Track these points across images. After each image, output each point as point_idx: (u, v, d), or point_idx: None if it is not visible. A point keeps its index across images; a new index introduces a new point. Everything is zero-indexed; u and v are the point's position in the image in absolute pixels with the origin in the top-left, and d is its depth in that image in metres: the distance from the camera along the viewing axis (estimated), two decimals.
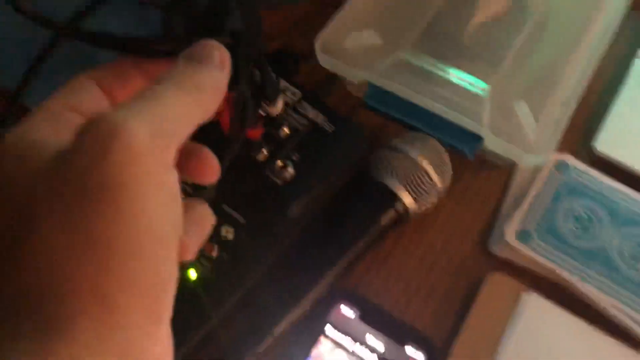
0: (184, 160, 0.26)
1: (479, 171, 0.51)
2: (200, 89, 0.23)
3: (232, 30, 0.31)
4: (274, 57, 0.50)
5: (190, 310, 0.39)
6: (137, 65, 0.26)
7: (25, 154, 0.21)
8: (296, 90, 0.46)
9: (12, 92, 0.36)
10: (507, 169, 0.51)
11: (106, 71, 0.25)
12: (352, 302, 0.43)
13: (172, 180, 0.22)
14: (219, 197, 0.42)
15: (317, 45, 0.46)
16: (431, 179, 0.45)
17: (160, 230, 0.21)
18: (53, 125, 0.22)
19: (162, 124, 0.21)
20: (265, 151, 0.43)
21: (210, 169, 0.27)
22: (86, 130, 0.21)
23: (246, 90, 0.32)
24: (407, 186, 0.44)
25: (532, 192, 0.48)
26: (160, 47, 0.29)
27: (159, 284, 0.22)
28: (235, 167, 0.42)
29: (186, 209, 0.24)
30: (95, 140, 0.20)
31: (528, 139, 0.44)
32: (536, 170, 0.49)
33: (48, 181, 0.21)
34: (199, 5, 0.32)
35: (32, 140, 0.22)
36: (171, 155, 0.22)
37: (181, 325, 0.24)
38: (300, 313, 0.42)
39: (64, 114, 0.22)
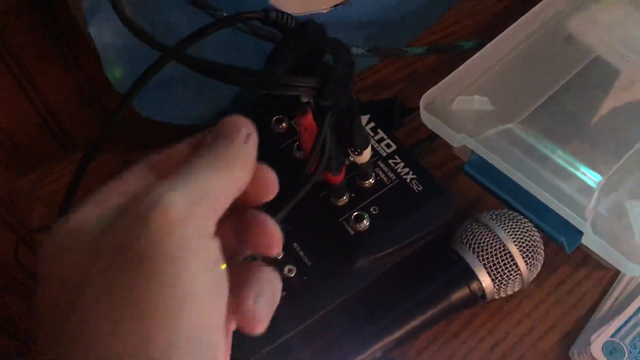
0: (245, 231, 0.26)
1: (580, 267, 0.46)
2: (230, 166, 0.24)
3: (321, 74, 0.31)
4: (383, 105, 0.49)
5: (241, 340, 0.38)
6: (194, 151, 0.26)
7: (72, 236, 0.22)
8: (392, 143, 0.45)
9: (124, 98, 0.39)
10: (613, 271, 0.45)
11: (163, 157, 0.26)
12: None
13: (212, 246, 0.23)
14: (291, 234, 0.42)
15: (422, 102, 0.44)
16: (517, 266, 0.41)
17: (199, 295, 0.21)
18: (102, 210, 0.23)
19: (198, 195, 0.22)
20: (345, 198, 0.42)
21: (271, 239, 0.25)
22: (127, 206, 0.22)
23: (327, 133, 0.32)
24: (488, 267, 0.41)
25: (634, 305, 0.42)
26: (253, 79, 0.29)
27: (203, 350, 0.21)
28: (313, 209, 0.43)
29: (252, 273, 0.25)
30: (134, 212, 0.21)
31: (636, 246, 0.39)
32: None
33: (90, 255, 0.22)
34: (306, 45, 0.32)
35: (80, 223, 0.23)
36: (210, 224, 0.23)
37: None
38: None
39: (114, 199, 0.23)
